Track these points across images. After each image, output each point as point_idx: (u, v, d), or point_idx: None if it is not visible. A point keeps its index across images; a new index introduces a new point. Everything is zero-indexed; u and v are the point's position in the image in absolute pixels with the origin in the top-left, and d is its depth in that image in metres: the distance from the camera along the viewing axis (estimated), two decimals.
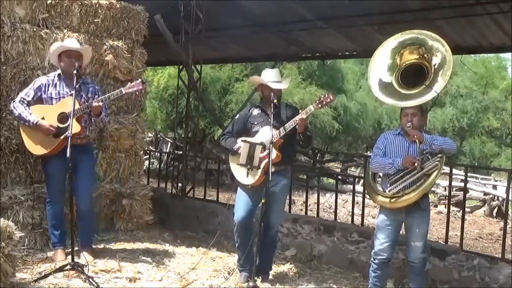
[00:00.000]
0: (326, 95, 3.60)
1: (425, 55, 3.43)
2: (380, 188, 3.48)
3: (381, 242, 3.42)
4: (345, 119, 13.52)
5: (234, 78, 12.91)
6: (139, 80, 3.85)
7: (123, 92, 3.82)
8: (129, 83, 3.89)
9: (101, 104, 3.75)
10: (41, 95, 3.88)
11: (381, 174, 3.57)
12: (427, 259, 3.64)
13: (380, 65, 3.55)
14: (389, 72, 3.53)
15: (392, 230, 3.40)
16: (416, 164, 3.23)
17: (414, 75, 3.44)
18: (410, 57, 3.49)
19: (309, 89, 12.42)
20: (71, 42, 4.01)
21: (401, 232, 3.56)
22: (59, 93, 3.88)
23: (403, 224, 3.48)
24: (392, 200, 3.30)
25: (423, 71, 3.43)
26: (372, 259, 3.50)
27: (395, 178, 3.32)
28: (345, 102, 13.54)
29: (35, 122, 3.75)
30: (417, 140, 3.27)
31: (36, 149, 3.85)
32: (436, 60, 3.38)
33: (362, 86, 15.37)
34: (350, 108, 13.61)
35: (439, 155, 3.27)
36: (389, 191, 3.32)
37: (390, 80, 3.52)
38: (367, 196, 4.10)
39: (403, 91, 3.44)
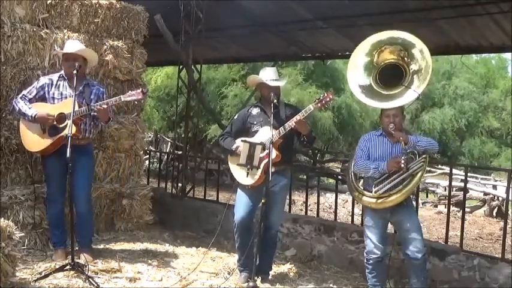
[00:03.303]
0: (325, 94, 3.55)
1: (405, 58, 3.46)
2: (362, 187, 3.48)
3: (371, 241, 3.45)
4: (347, 118, 13.42)
5: (230, 78, 12.75)
6: (140, 89, 3.84)
7: (122, 100, 3.82)
8: (129, 91, 3.89)
9: (105, 107, 3.74)
10: (44, 94, 3.89)
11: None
12: (427, 259, 3.64)
13: (356, 68, 3.56)
14: (367, 72, 3.54)
15: (380, 229, 3.45)
16: (402, 166, 3.23)
17: (391, 75, 3.45)
18: (389, 56, 3.51)
19: (308, 90, 12.29)
20: (69, 45, 4.00)
21: (398, 233, 3.57)
22: (61, 93, 3.90)
23: (393, 225, 3.52)
24: (379, 201, 3.33)
25: (400, 71, 3.45)
26: (365, 260, 3.51)
27: (381, 179, 3.33)
28: (346, 101, 13.44)
29: (33, 116, 3.75)
30: (402, 142, 3.29)
31: (31, 145, 3.86)
32: (414, 67, 3.42)
33: None
34: (351, 107, 13.49)
35: (423, 156, 3.30)
36: (375, 192, 3.33)
37: (369, 82, 3.53)
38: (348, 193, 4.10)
39: (383, 91, 3.46)
